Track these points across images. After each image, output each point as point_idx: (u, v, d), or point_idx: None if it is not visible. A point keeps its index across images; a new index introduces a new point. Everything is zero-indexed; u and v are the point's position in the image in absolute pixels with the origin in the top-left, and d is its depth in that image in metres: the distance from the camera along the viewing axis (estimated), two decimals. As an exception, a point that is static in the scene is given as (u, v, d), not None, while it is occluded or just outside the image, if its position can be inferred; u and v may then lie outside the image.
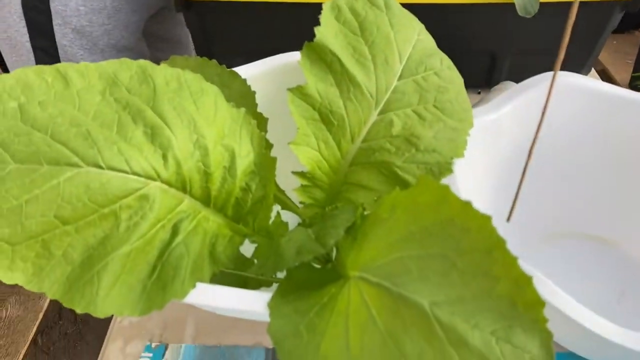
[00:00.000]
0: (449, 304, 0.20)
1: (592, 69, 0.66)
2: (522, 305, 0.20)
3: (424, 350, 0.20)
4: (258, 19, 0.54)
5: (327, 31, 0.32)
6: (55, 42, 0.65)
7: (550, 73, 0.42)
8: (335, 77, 0.33)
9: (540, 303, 0.19)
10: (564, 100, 0.41)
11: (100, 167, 0.24)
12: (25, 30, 0.65)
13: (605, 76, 1.35)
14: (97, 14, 0.65)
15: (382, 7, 0.34)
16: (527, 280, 0.19)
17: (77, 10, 0.64)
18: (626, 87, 1.20)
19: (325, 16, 0.32)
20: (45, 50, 0.66)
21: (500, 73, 0.58)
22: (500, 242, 0.20)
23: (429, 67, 0.34)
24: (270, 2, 0.52)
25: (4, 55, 0.70)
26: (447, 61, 0.35)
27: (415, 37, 0.35)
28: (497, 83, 0.56)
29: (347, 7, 0.33)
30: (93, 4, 0.65)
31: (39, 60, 0.67)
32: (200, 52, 0.59)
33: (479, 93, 0.60)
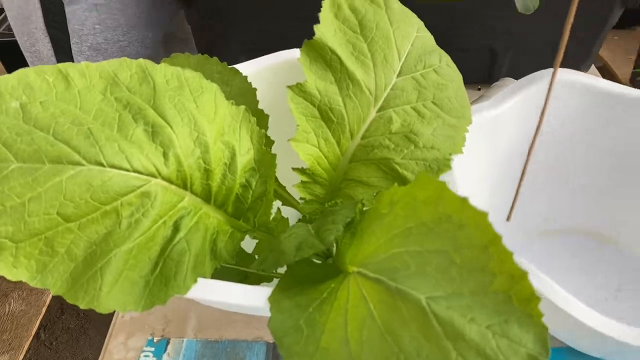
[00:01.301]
0: (446, 299, 0.21)
1: (592, 65, 0.66)
2: (518, 300, 0.20)
3: (422, 345, 0.20)
4: (258, 15, 0.54)
5: (326, 29, 0.32)
6: (73, 59, 0.67)
7: (550, 70, 0.43)
8: (334, 75, 0.33)
9: (535, 298, 0.20)
10: (563, 96, 0.41)
11: (102, 165, 0.25)
12: (50, 45, 0.67)
13: (607, 72, 1.35)
14: (112, 31, 0.67)
15: (381, 4, 0.34)
16: (523, 275, 0.20)
17: (93, 28, 0.66)
18: (627, 83, 1.20)
19: (325, 14, 0.33)
20: None
21: (500, 69, 0.58)
22: (496, 238, 0.20)
23: (428, 64, 0.34)
24: (270, -1, 0.52)
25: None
26: (445, 58, 0.35)
27: (414, 34, 0.35)
28: (497, 79, 0.56)
29: (347, 4, 0.33)
30: (108, 22, 0.66)
31: None
32: (200, 48, 0.59)
33: (479, 89, 0.60)
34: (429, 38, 0.36)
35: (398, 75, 0.34)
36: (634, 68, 1.22)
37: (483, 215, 0.21)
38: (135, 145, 0.26)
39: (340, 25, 0.33)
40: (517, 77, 0.54)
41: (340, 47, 0.33)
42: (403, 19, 0.35)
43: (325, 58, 0.33)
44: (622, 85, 0.42)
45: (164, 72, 0.29)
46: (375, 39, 0.33)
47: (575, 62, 0.59)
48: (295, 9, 0.50)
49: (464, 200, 0.21)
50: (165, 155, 0.27)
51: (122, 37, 0.68)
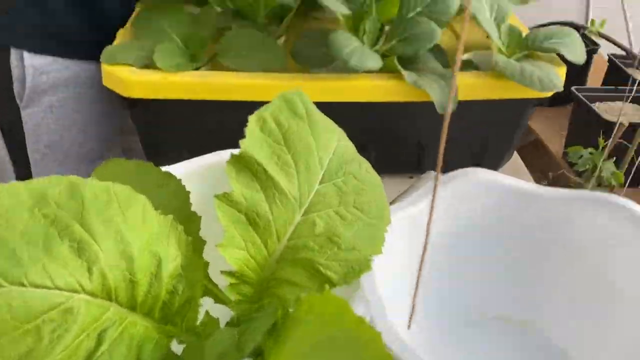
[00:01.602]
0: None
1: (515, 153, 0.72)
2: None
3: None
4: (199, 116, 0.57)
5: (252, 142, 0.35)
6: (28, 157, 0.70)
7: (468, 169, 0.46)
8: (260, 184, 0.35)
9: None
10: (479, 195, 0.45)
11: (23, 285, 0.26)
12: (3, 144, 0.70)
13: (540, 146, 1.42)
14: (68, 130, 0.70)
15: (304, 117, 0.37)
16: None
17: (48, 128, 0.69)
18: (560, 159, 1.26)
19: (251, 128, 0.35)
20: (21, 163, 0.72)
21: (428, 161, 0.62)
22: (388, 357, 0.22)
23: (348, 172, 0.37)
24: (209, 101, 0.55)
25: None
26: (365, 165, 0.38)
27: (335, 143, 0.38)
28: (427, 169, 0.59)
29: (272, 118, 0.36)
30: (64, 122, 0.69)
31: (17, 172, 0.72)
32: (146, 145, 0.62)
33: (412, 177, 0.64)
34: (349, 147, 0.39)
35: (320, 183, 0.36)
36: (565, 146, 1.29)
37: (378, 335, 0.22)
38: (60, 262, 0.27)
39: (265, 138, 0.36)
40: (444, 169, 0.58)
41: (265, 158, 0.35)
42: (325, 130, 0.38)
43: (251, 169, 0.35)
44: (531, 184, 0.46)
45: (94, 187, 0.30)
46: (299, 149, 0.36)
47: (496, 156, 0.64)
48: (226, 117, 0.52)
49: (362, 320, 0.23)
50: (89, 270, 0.28)
51: (77, 135, 0.70)
